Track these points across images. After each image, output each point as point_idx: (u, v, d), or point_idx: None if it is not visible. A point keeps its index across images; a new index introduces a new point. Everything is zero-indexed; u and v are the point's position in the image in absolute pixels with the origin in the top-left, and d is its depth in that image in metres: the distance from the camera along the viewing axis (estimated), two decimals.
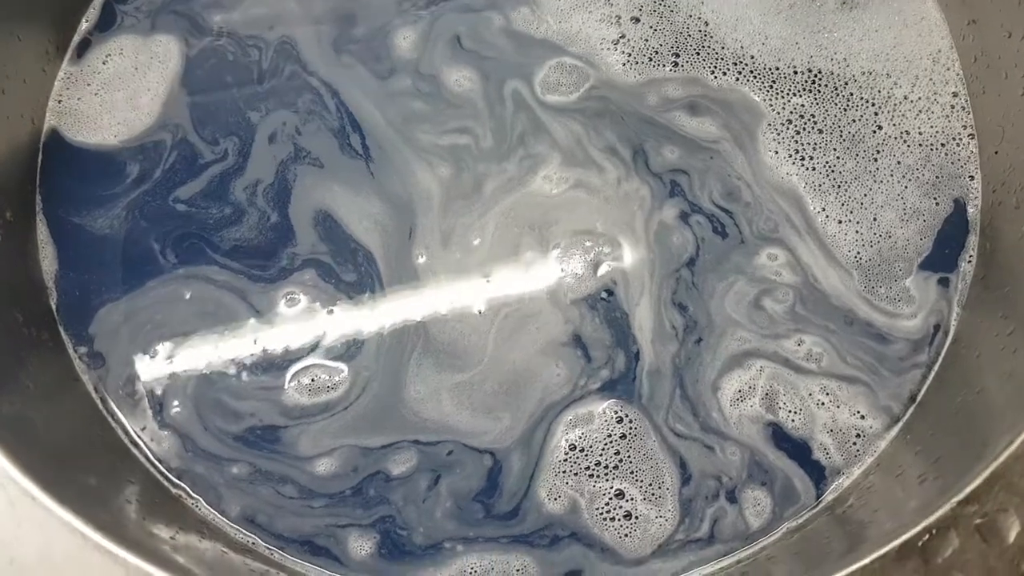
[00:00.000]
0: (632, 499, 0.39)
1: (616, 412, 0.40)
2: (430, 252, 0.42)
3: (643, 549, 0.39)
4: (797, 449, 0.40)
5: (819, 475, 0.40)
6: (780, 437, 0.41)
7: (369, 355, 0.41)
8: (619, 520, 0.39)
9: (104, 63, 0.45)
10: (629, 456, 0.40)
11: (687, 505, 0.39)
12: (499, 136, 0.44)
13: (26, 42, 0.41)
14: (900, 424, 0.40)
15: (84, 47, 0.45)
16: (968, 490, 0.29)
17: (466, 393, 0.41)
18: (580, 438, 0.40)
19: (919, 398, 0.40)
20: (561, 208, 0.43)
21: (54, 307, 0.41)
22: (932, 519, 0.29)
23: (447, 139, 0.44)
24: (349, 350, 0.41)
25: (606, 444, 0.40)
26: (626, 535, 0.39)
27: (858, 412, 0.41)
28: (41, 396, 0.36)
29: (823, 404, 0.41)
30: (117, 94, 0.44)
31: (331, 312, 0.41)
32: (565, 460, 0.40)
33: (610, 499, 0.39)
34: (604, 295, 0.42)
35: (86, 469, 0.36)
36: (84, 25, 0.45)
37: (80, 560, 0.29)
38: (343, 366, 0.41)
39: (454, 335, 0.41)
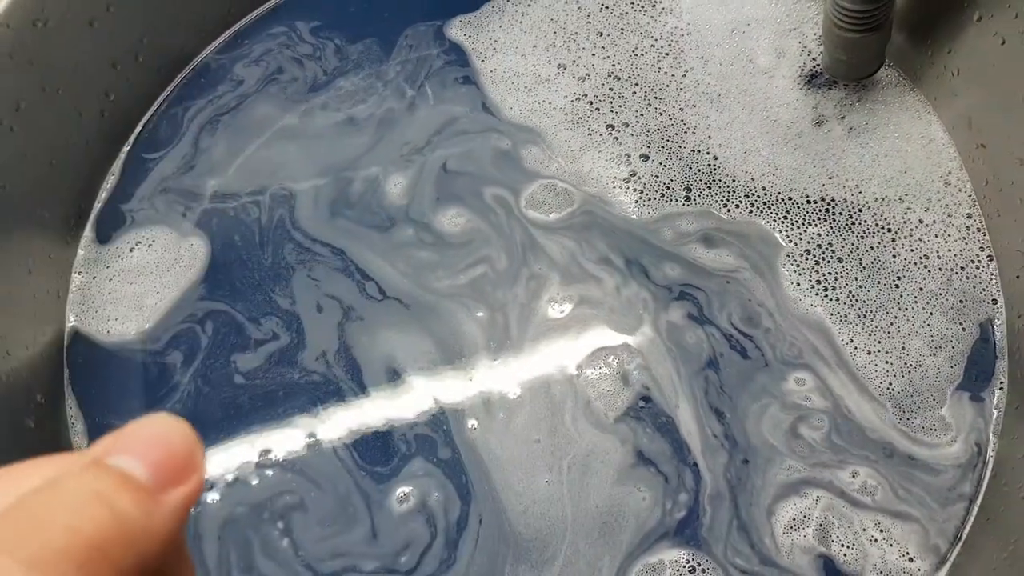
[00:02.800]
0: None
1: (688, 561, 0.39)
2: (479, 421, 0.42)
3: None
4: None
5: None
6: (831, 572, 0.39)
7: None
8: None
9: (132, 250, 0.45)
10: None
11: None
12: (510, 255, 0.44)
13: (44, 228, 0.42)
14: (947, 566, 0.39)
15: (108, 230, 0.45)
16: None
17: (567, 569, 0.39)
18: None
19: (964, 536, 0.39)
20: (572, 330, 0.43)
21: None
22: None
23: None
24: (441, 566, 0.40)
25: None
26: None
27: (907, 554, 0.39)
28: None
29: (876, 541, 0.39)
30: (129, 287, 0.44)
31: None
32: None
33: None
34: (642, 403, 0.41)
35: None
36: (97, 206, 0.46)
37: None
38: None
39: (536, 521, 0.40)
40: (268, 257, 0.45)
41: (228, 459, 0.41)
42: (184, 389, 0.43)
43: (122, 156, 0.47)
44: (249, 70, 0.49)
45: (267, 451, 0.42)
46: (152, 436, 0.17)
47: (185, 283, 0.44)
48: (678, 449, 0.41)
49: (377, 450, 0.41)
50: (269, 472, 0.41)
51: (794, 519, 0.40)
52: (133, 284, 0.44)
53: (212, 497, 0.41)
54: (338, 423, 0.42)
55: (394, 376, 0.43)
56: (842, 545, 0.39)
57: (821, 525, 0.40)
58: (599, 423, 0.41)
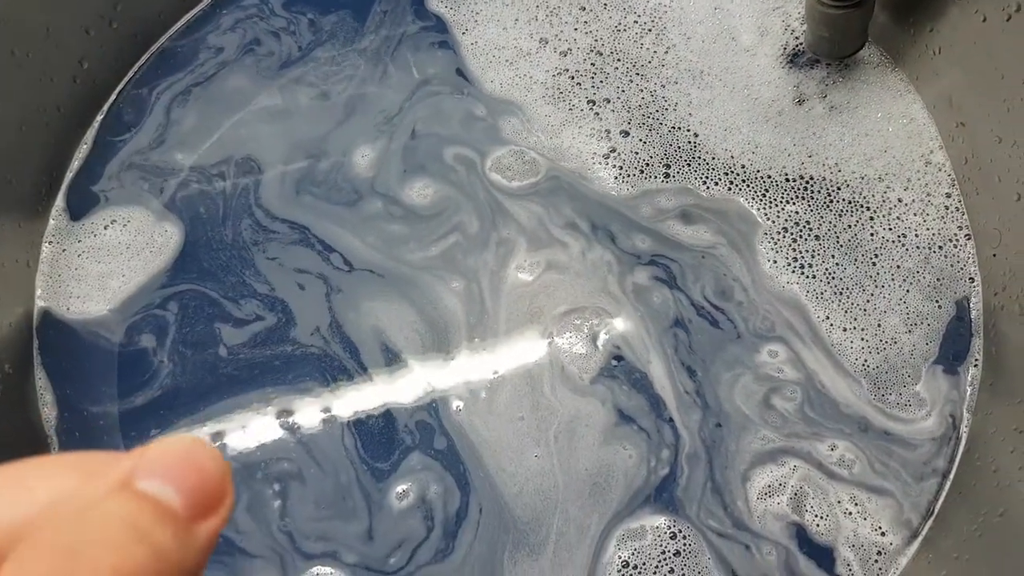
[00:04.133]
0: None
1: (670, 527, 0.39)
2: (464, 402, 0.41)
3: None
4: (822, 557, 0.39)
5: None
6: (803, 540, 0.39)
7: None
8: None
9: (106, 228, 0.44)
10: (684, 574, 0.38)
11: None
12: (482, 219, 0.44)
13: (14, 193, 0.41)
14: (919, 540, 0.39)
15: (81, 205, 0.44)
16: None
17: (561, 540, 0.39)
18: (633, 555, 0.39)
19: (936, 511, 0.39)
20: (540, 295, 0.43)
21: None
22: None
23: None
24: (438, 556, 0.40)
25: (660, 561, 0.38)
26: None
27: (880, 528, 0.40)
28: None
29: (850, 513, 0.40)
30: (97, 265, 0.44)
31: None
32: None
33: None
34: (614, 362, 0.42)
35: None
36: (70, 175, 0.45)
37: None
38: None
39: (531, 499, 0.40)
40: (241, 236, 0.44)
41: (220, 421, 0.41)
42: (159, 359, 0.42)
43: (95, 125, 0.47)
44: (226, 39, 0.49)
45: (258, 419, 0.41)
46: (183, 459, 0.15)
47: (157, 265, 0.44)
48: (655, 404, 0.41)
49: (374, 440, 0.41)
50: (268, 438, 0.41)
51: (769, 486, 0.40)
52: (101, 263, 0.44)
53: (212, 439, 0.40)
54: (336, 403, 0.42)
55: (388, 353, 0.43)
56: (816, 515, 0.40)
57: (796, 494, 0.40)
58: (577, 388, 0.41)
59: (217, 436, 0.41)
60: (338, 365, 0.42)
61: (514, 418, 0.41)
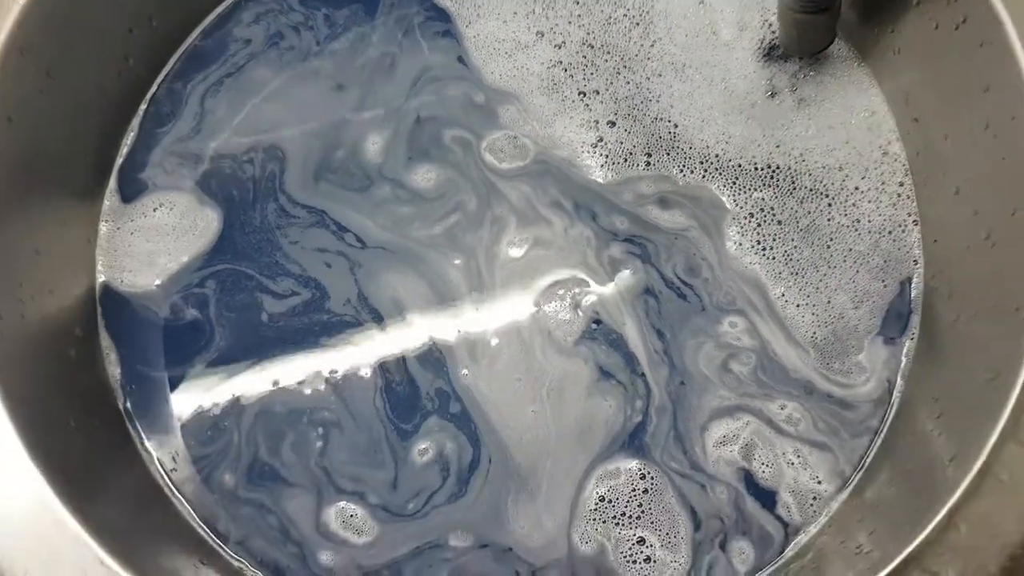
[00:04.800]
0: (652, 545, 0.45)
1: (640, 469, 0.46)
2: (469, 368, 0.48)
3: None
4: (766, 499, 0.46)
5: (784, 531, 0.46)
6: (750, 483, 0.46)
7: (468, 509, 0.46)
8: (640, 563, 0.45)
9: (155, 211, 0.51)
10: (650, 508, 0.45)
11: (698, 548, 0.45)
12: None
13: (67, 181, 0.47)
14: (849, 488, 0.46)
15: (135, 191, 0.51)
16: (887, 570, 0.35)
17: (553, 481, 0.46)
18: (609, 491, 0.46)
19: (867, 463, 0.46)
20: (528, 269, 0.49)
21: (122, 408, 0.47)
22: None
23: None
24: (451, 499, 0.46)
25: (631, 497, 0.45)
26: None
27: (817, 477, 0.46)
28: (122, 495, 0.42)
29: (792, 464, 0.46)
30: (147, 244, 0.50)
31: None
32: (595, 509, 0.46)
33: (632, 545, 0.45)
34: (594, 325, 0.48)
35: (161, 552, 0.42)
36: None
37: None
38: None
39: (529, 447, 0.47)
40: (267, 220, 0.50)
41: (265, 371, 0.48)
42: (206, 324, 0.49)
43: (140, 114, 0.52)
44: (251, 33, 0.54)
45: (302, 378, 0.48)
46: None
47: (200, 246, 0.50)
48: (629, 361, 0.48)
49: (400, 403, 0.48)
50: (311, 389, 0.48)
51: (724, 436, 0.47)
52: (151, 242, 0.50)
53: (256, 390, 0.48)
54: (365, 364, 0.48)
55: (407, 322, 0.49)
56: (762, 464, 0.46)
57: (747, 445, 0.46)
58: (563, 349, 0.48)
59: (263, 384, 0.48)
60: (366, 332, 0.49)
61: (512, 379, 0.48)
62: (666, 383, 0.47)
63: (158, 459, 0.47)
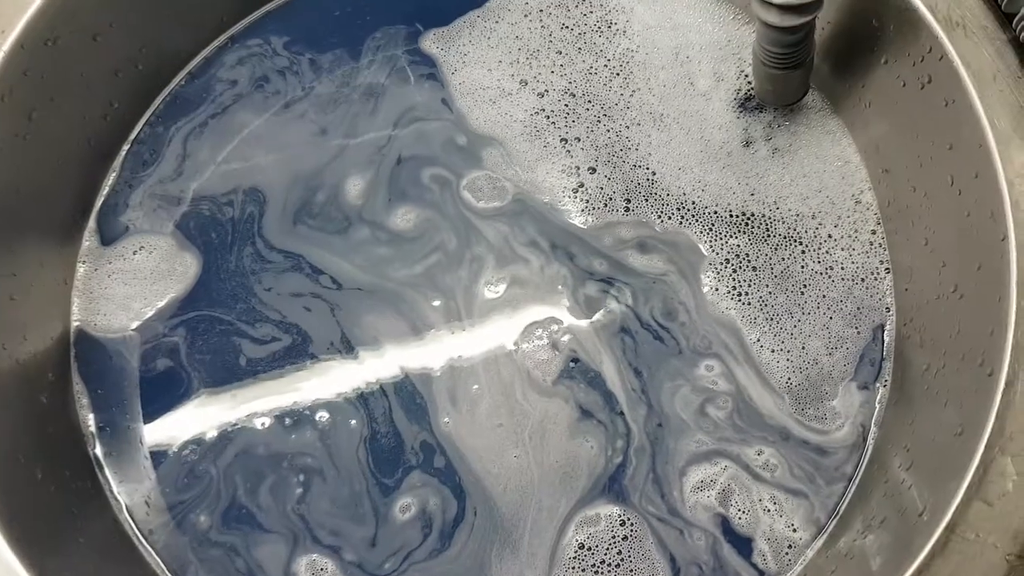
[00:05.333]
0: None
1: (620, 515, 0.46)
2: (451, 416, 0.48)
3: None
4: (742, 546, 0.46)
5: None
6: (726, 530, 0.46)
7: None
8: None
9: (135, 254, 0.51)
10: (630, 555, 0.46)
11: None
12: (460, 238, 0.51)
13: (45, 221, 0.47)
14: (824, 535, 0.46)
15: (115, 233, 0.51)
16: None
17: (536, 527, 0.46)
18: (588, 538, 0.46)
19: (841, 511, 0.46)
20: (506, 308, 0.49)
21: (92, 455, 0.47)
22: None
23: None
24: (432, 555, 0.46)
25: (610, 544, 0.46)
26: None
27: (792, 525, 0.47)
28: (90, 545, 0.42)
29: (769, 511, 0.47)
30: (124, 288, 0.50)
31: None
32: (574, 557, 0.46)
33: None
34: (572, 364, 0.48)
35: None
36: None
37: None
38: None
39: (513, 497, 0.47)
40: (244, 264, 0.50)
41: (237, 422, 0.48)
42: (181, 369, 0.49)
43: (122, 155, 0.53)
44: (236, 75, 0.54)
45: (281, 415, 0.48)
46: None
47: (178, 291, 0.50)
48: (608, 399, 0.48)
49: (382, 456, 0.47)
50: (293, 435, 0.48)
51: (701, 481, 0.47)
52: (128, 285, 0.50)
53: (234, 434, 0.47)
54: (349, 410, 0.48)
55: (388, 365, 0.49)
56: (739, 510, 0.47)
57: (724, 490, 0.47)
58: (542, 389, 0.48)
59: (242, 428, 0.48)
60: (346, 374, 0.49)
61: (494, 424, 0.48)
62: (644, 422, 0.48)
63: (127, 507, 0.47)
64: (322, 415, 0.48)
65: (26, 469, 0.41)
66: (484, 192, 0.51)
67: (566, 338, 0.49)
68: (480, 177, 0.52)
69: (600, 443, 0.47)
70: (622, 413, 0.48)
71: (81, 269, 0.50)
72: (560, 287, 0.49)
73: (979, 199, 0.41)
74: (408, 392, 0.48)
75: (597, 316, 0.49)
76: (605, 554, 0.46)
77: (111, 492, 0.47)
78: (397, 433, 0.47)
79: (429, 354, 0.49)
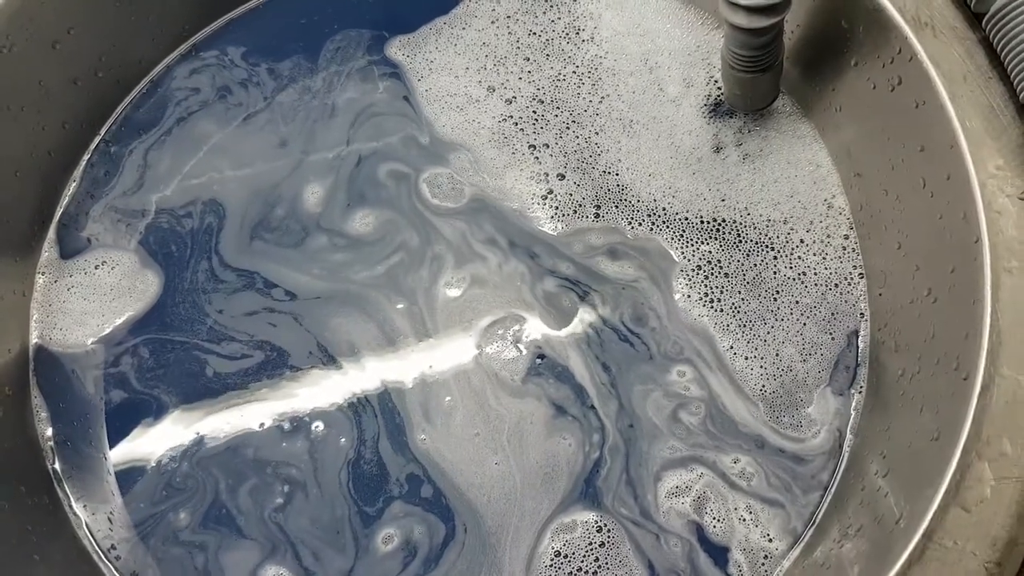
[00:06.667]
0: None
1: (596, 521, 0.45)
2: (427, 432, 0.47)
3: None
4: (718, 555, 0.45)
5: None
6: (701, 538, 0.45)
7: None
8: None
9: (96, 269, 0.49)
10: (607, 562, 0.44)
11: None
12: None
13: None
14: (801, 545, 0.45)
15: (75, 247, 0.50)
16: None
17: (518, 536, 0.45)
18: (564, 545, 0.45)
19: (818, 520, 0.45)
20: (466, 309, 0.49)
21: (50, 469, 0.46)
22: None
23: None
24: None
25: (587, 551, 0.45)
26: None
27: (768, 535, 0.46)
28: (47, 564, 0.40)
29: (744, 520, 0.46)
30: (82, 303, 0.49)
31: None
32: (551, 565, 0.44)
33: None
34: (539, 360, 0.48)
35: None
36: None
37: None
38: None
39: (496, 504, 0.46)
40: (199, 282, 0.49)
41: (204, 423, 0.46)
42: (142, 384, 0.48)
43: (82, 165, 0.52)
44: (199, 84, 0.53)
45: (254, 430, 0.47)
46: None
47: (138, 308, 0.49)
48: (579, 393, 0.47)
49: (363, 482, 0.46)
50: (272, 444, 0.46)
51: (676, 487, 0.46)
52: (87, 300, 0.49)
53: (222, 435, 0.46)
54: (322, 427, 0.47)
55: (358, 362, 0.48)
56: (714, 518, 0.46)
57: (699, 498, 0.46)
58: (514, 391, 0.47)
59: (206, 441, 0.46)
60: (313, 381, 0.48)
61: (471, 435, 0.47)
62: (616, 418, 0.47)
63: (87, 523, 0.45)
64: (296, 425, 0.47)
65: None
66: (443, 190, 0.51)
67: (528, 335, 0.48)
68: (441, 175, 0.51)
69: (577, 439, 0.46)
70: (593, 407, 0.47)
71: (40, 280, 0.49)
72: (519, 283, 0.49)
73: (951, 201, 0.41)
74: (388, 408, 0.47)
75: (560, 313, 0.48)
76: (582, 561, 0.45)
77: (70, 508, 0.45)
78: (378, 454, 0.46)
79: (400, 365, 0.48)
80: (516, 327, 0.48)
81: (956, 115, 0.40)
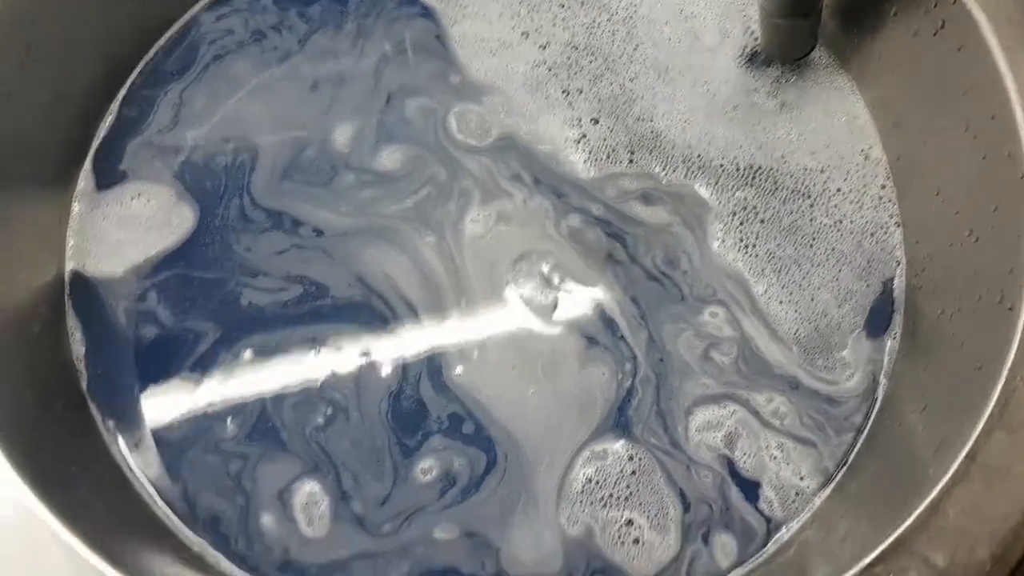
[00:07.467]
0: (640, 527, 0.44)
1: (628, 450, 0.45)
2: (463, 366, 0.46)
3: (649, 570, 0.43)
4: (748, 490, 0.45)
5: (766, 525, 0.45)
6: (732, 472, 0.45)
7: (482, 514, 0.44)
8: (628, 545, 0.43)
9: (132, 200, 0.50)
10: (638, 489, 0.44)
11: (687, 531, 0.44)
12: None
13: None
14: (832, 484, 0.45)
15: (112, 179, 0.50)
16: (875, 554, 0.34)
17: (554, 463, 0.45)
18: (596, 472, 0.45)
19: (850, 461, 0.45)
20: (493, 247, 0.48)
21: (84, 387, 0.46)
22: None
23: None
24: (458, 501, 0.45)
25: (619, 478, 0.44)
26: (634, 558, 0.44)
27: (800, 473, 0.45)
28: (82, 474, 0.40)
29: (775, 458, 0.45)
30: (117, 232, 0.49)
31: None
32: (582, 491, 0.44)
33: (621, 527, 0.44)
34: (566, 294, 0.47)
35: (128, 532, 0.40)
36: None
37: None
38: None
39: (533, 430, 0.45)
40: (231, 220, 0.49)
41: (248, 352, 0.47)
42: (175, 312, 0.48)
43: (119, 99, 0.52)
44: (233, 26, 0.54)
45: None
46: None
47: (172, 241, 0.49)
48: (609, 324, 0.47)
49: (402, 417, 0.46)
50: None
51: (708, 422, 0.46)
52: (122, 230, 0.49)
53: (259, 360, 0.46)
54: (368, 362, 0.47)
55: (390, 305, 0.48)
56: (745, 454, 0.45)
57: (730, 434, 0.45)
58: (544, 323, 0.47)
59: (243, 359, 0.46)
60: (349, 323, 0.47)
61: (507, 368, 0.46)
62: (647, 349, 0.46)
63: (121, 442, 0.45)
64: (337, 352, 0.47)
65: (15, 390, 0.39)
66: (471, 127, 0.50)
67: (557, 271, 0.48)
68: (472, 111, 0.51)
69: (610, 368, 0.46)
70: (623, 338, 0.46)
71: (76, 208, 0.49)
72: (544, 219, 0.48)
73: (995, 141, 0.41)
74: (426, 343, 0.47)
75: (587, 249, 0.48)
76: (614, 488, 0.44)
77: (103, 426, 0.45)
78: (418, 389, 0.46)
79: (434, 299, 0.47)
80: (543, 262, 0.48)
81: (1002, 55, 0.40)
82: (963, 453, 0.34)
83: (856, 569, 0.33)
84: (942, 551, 0.34)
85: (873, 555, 0.34)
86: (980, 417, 0.35)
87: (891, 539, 0.34)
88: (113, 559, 0.34)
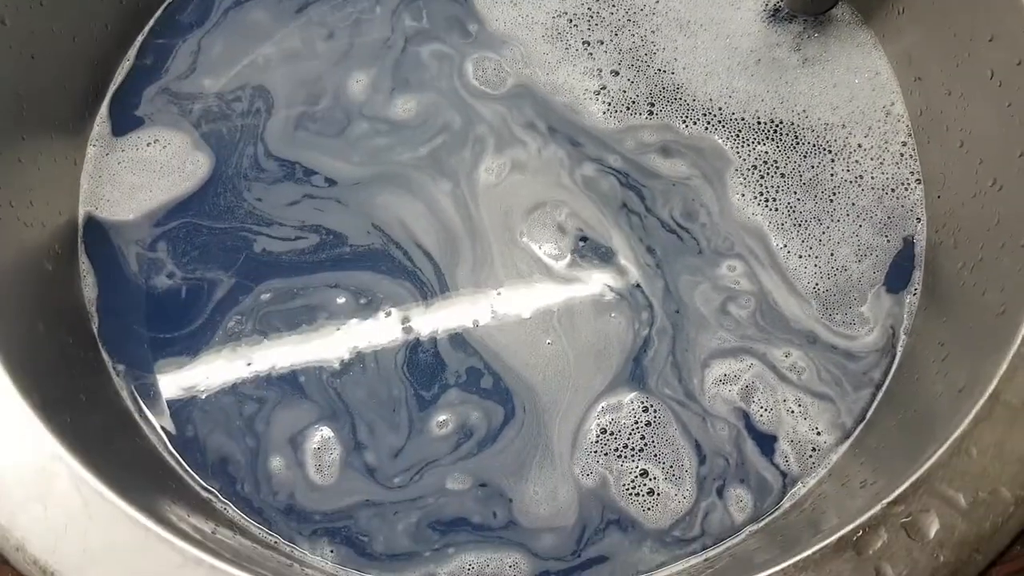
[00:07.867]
0: (655, 478, 0.43)
1: (643, 402, 0.44)
2: (480, 317, 0.46)
3: (663, 522, 0.43)
4: (764, 444, 0.44)
5: (782, 480, 0.44)
6: (747, 425, 0.45)
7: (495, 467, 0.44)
8: (643, 496, 0.43)
9: (148, 146, 0.49)
10: (653, 440, 0.44)
11: (702, 483, 0.44)
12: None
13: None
14: (850, 440, 0.44)
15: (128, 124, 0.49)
16: (896, 493, 0.33)
17: (570, 411, 0.45)
18: (610, 423, 0.44)
19: (868, 416, 0.45)
20: (507, 196, 0.48)
21: (95, 330, 0.45)
22: (865, 518, 0.33)
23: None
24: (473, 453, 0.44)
25: (633, 429, 0.44)
26: (648, 509, 0.43)
27: (816, 428, 0.45)
28: (93, 410, 0.40)
29: (792, 412, 0.45)
30: (131, 177, 0.49)
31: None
32: (596, 442, 0.44)
33: (635, 477, 0.43)
34: (581, 243, 0.47)
35: (138, 471, 0.40)
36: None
37: (143, 549, 0.33)
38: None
39: (551, 380, 0.45)
40: (245, 170, 0.49)
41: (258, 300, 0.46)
42: (185, 259, 0.48)
43: (136, 45, 0.51)
44: None
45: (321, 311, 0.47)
46: None
47: (186, 188, 0.48)
48: (623, 273, 0.47)
49: (420, 368, 0.46)
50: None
51: (724, 375, 0.45)
52: (135, 175, 0.48)
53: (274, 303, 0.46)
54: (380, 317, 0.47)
55: (406, 252, 0.48)
56: (761, 408, 0.45)
57: (747, 387, 0.45)
58: (560, 273, 0.47)
59: (260, 303, 0.46)
60: (365, 269, 0.47)
61: (522, 319, 0.46)
62: (663, 299, 0.46)
63: (131, 384, 0.45)
64: (355, 297, 0.46)
65: (28, 322, 0.39)
66: (488, 75, 0.50)
67: (571, 219, 0.47)
68: (489, 59, 0.50)
69: (627, 316, 0.46)
70: (639, 286, 0.46)
71: (91, 151, 0.49)
72: (559, 168, 0.48)
73: (1022, 85, 0.40)
74: (444, 294, 0.47)
75: (602, 198, 0.48)
76: (628, 438, 0.44)
77: (113, 369, 0.45)
78: (435, 340, 0.46)
79: (451, 249, 0.47)
80: (558, 211, 0.47)
81: None
82: (987, 393, 0.34)
83: (877, 508, 0.33)
84: (964, 491, 0.33)
85: (894, 494, 0.33)
86: (1004, 358, 0.34)
87: (913, 478, 0.33)
88: (120, 490, 0.34)
